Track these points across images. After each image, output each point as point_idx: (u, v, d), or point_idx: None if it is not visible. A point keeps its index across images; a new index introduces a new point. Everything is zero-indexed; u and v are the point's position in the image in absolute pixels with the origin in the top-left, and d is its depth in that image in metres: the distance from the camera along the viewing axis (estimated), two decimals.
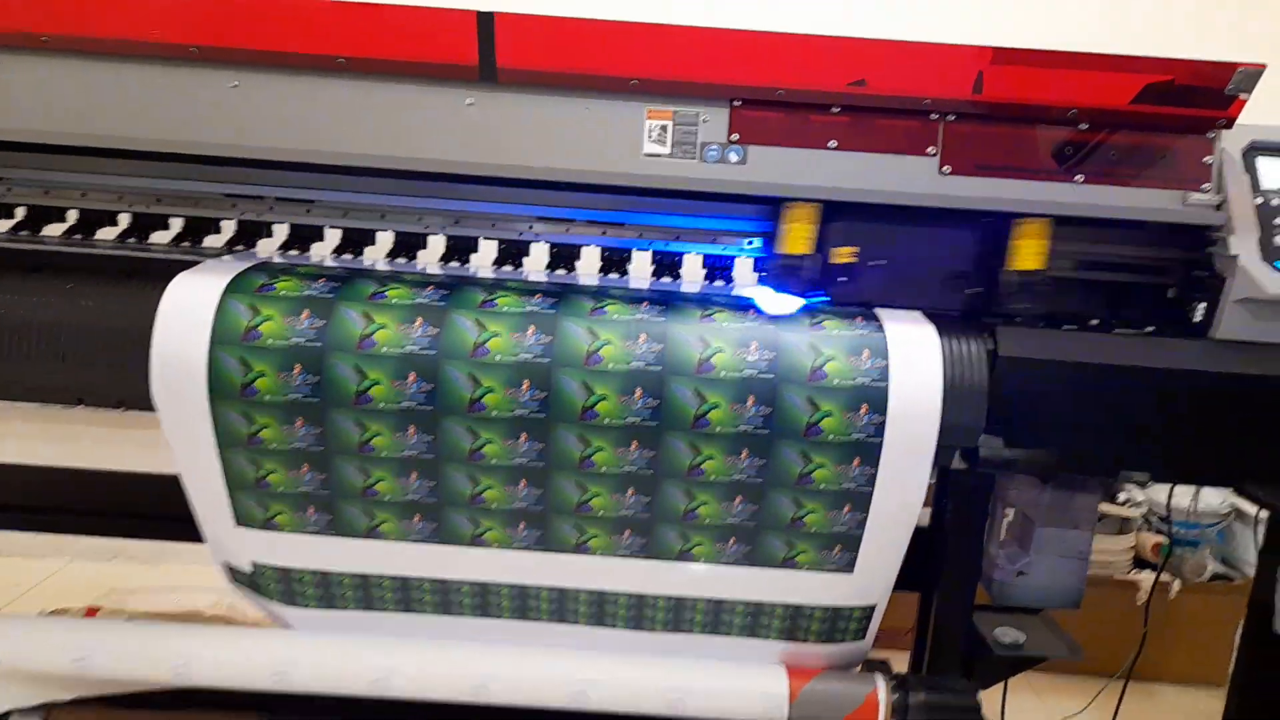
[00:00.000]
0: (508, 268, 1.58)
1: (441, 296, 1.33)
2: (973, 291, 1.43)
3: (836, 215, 1.41)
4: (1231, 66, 1.27)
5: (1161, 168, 1.35)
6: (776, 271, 1.42)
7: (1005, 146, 1.36)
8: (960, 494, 1.61)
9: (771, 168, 1.38)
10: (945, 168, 1.37)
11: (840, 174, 1.38)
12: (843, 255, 1.41)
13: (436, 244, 1.59)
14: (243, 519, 1.39)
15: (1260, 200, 1.33)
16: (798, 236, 1.40)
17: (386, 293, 1.32)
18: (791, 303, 1.40)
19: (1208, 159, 1.35)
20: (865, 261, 1.41)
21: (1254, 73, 1.27)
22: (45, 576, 3.23)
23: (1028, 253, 1.38)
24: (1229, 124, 1.28)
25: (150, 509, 1.81)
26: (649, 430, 1.30)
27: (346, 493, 1.36)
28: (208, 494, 1.37)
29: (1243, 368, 1.30)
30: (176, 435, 1.31)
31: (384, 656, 1.45)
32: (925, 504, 1.38)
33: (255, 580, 1.48)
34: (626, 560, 1.40)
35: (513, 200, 1.52)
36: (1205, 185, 1.35)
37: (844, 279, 1.42)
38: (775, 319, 1.34)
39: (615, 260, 1.58)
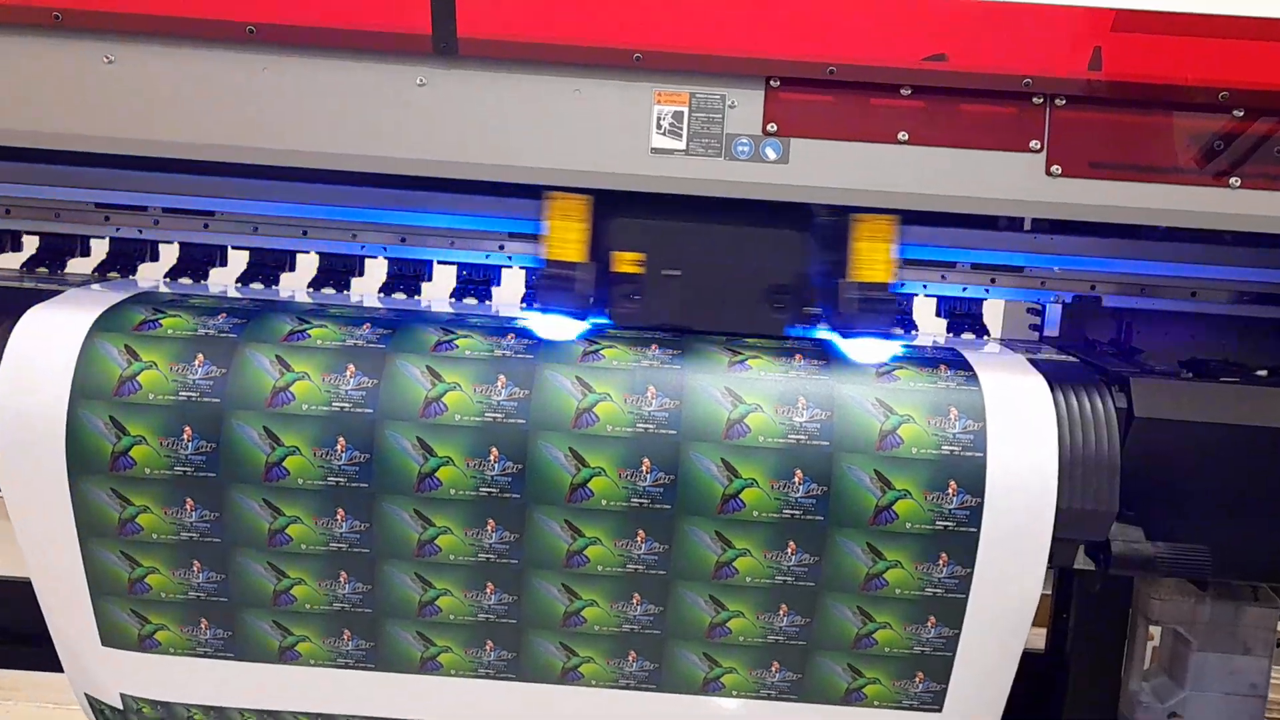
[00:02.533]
0: (470, 301, 1.58)
1: (381, 337, 1.33)
2: (811, 311, 1.44)
3: (617, 209, 1.41)
4: None
5: None
6: (539, 284, 1.43)
7: (1133, 140, 1.37)
8: (1087, 606, 1.60)
9: (822, 168, 1.38)
10: (1054, 167, 1.38)
11: (914, 176, 1.38)
12: (626, 263, 1.41)
13: (376, 269, 1.60)
14: (111, 637, 1.38)
15: None
16: (565, 238, 1.40)
17: (308, 332, 1.33)
18: (870, 346, 1.40)
19: None
20: (657, 271, 1.42)
21: None
22: None
23: (871, 258, 1.39)
24: None
25: None
26: (660, 516, 1.30)
27: (252, 599, 1.35)
28: (65, 602, 1.36)
29: None
30: (23, 521, 1.31)
31: None
32: (1038, 622, 1.36)
33: (126, 719, 1.46)
34: (631, 693, 1.39)
35: (478, 211, 1.52)
36: None
37: (629, 294, 1.43)
38: (830, 365, 1.35)
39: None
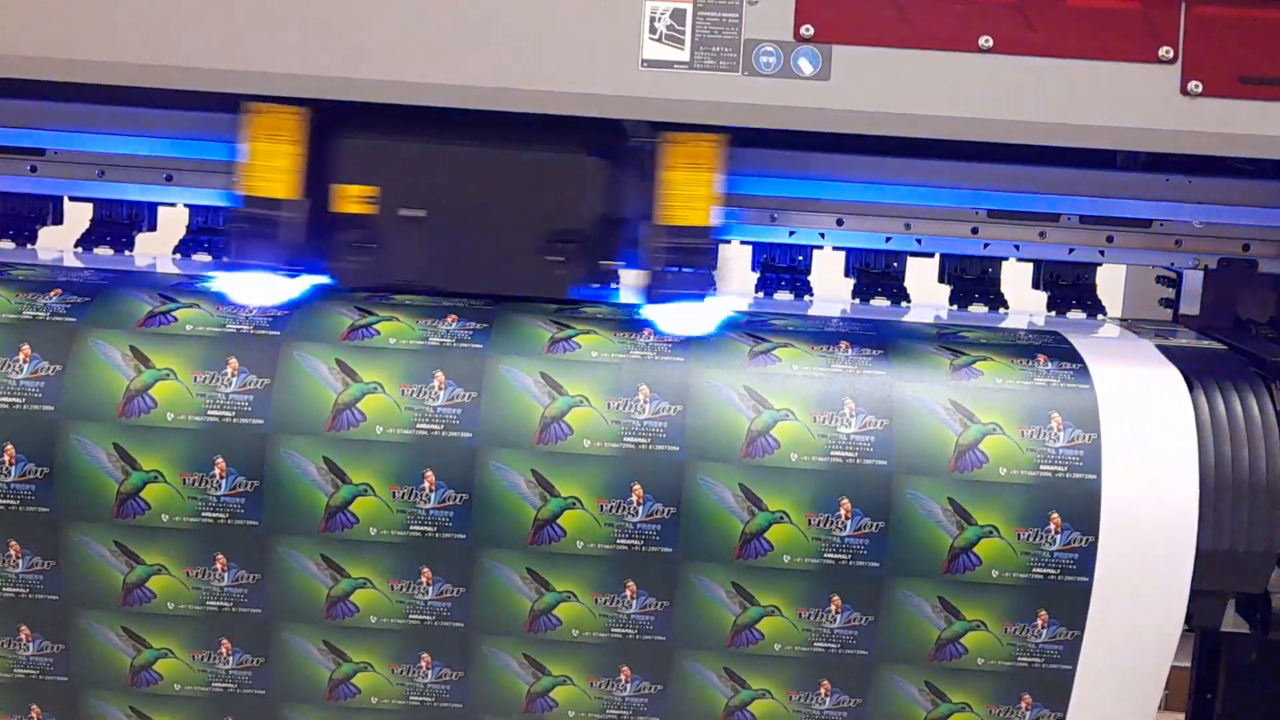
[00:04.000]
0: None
1: (275, 320, 1.32)
2: (609, 266, 1.43)
3: (340, 126, 1.38)
4: None
5: None
6: (232, 229, 1.42)
7: None
8: (1239, 681, 1.58)
9: (874, 85, 1.36)
10: (1192, 83, 1.36)
11: (1000, 96, 1.36)
12: (351, 200, 1.37)
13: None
14: None
15: None
16: (269, 165, 1.37)
17: (174, 314, 1.32)
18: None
19: None
20: (393, 211, 1.38)
21: None
22: None
23: (686, 195, 1.39)
24: None
25: None
26: (657, 562, 1.28)
27: (100, 679, 1.33)
28: None
29: None
30: None
31: None
32: (1174, 704, 1.38)
33: None
34: None
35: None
36: None
37: (355, 243, 1.39)
38: (888, 354, 1.33)
39: None
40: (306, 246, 1.38)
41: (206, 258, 1.60)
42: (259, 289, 1.35)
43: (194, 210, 1.63)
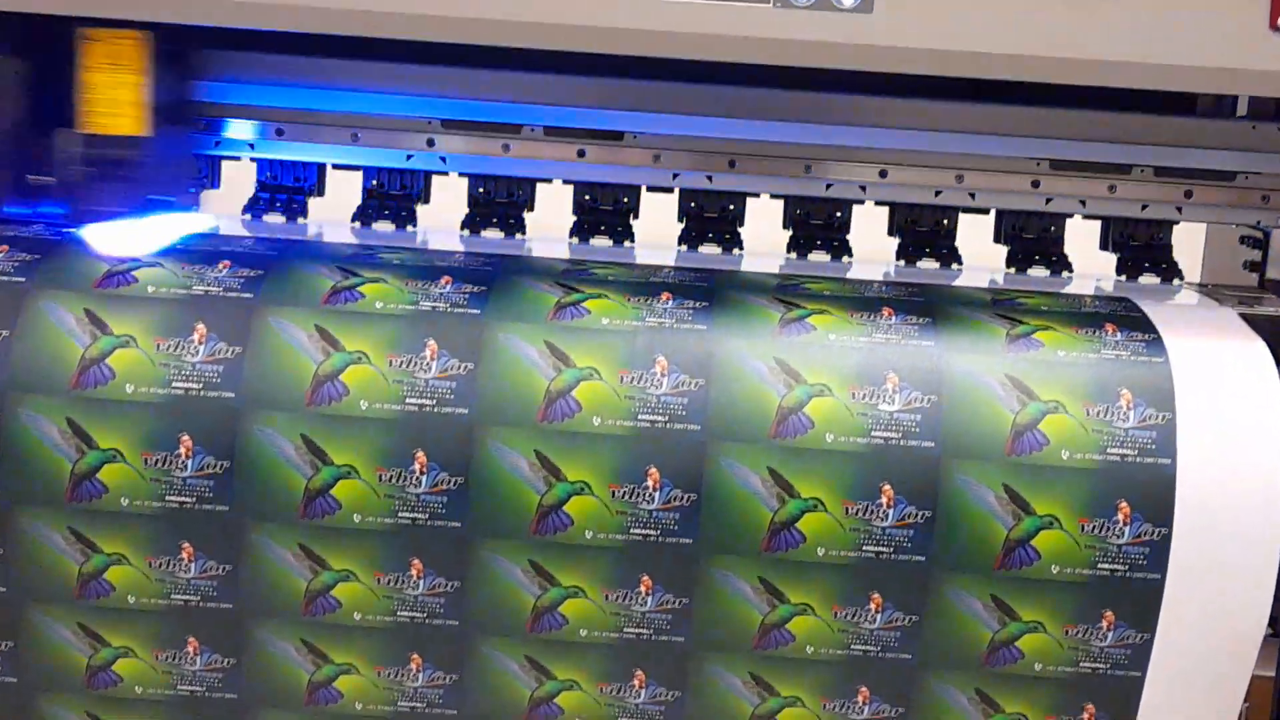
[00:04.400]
0: (385, 227, 1.60)
1: (247, 281, 1.30)
2: (39, 181, 1.39)
3: None
4: None
5: None
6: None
7: None
8: None
9: (922, 17, 1.33)
10: None
11: (1067, 32, 1.32)
12: None
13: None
14: None
15: None
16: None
17: (133, 273, 1.30)
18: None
19: None
20: None
21: None
22: None
23: (110, 98, 1.35)
24: None
25: None
26: (675, 554, 1.26)
27: (54, 681, 1.32)
28: None
29: None
30: None
31: None
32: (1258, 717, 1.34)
33: None
34: None
35: (395, 83, 1.56)
36: None
37: None
38: (937, 322, 1.31)
39: (605, 209, 1.61)
40: None
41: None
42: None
43: None
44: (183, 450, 1.25)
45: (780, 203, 1.70)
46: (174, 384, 1.26)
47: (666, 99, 1.61)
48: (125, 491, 1.26)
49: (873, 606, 1.27)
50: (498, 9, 1.35)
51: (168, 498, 1.26)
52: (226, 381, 1.26)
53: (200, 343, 1.27)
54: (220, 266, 1.33)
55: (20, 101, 1.36)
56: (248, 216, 1.70)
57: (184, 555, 1.28)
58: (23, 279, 1.29)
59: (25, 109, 1.37)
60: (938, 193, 1.60)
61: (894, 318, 1.31)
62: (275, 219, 1.70)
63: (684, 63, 1.40)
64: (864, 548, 1.25)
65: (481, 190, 1.74)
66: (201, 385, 1.26)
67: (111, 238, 1.35)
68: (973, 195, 1.58)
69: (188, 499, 1.26)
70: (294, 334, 1.28)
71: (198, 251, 1.38)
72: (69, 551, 1.27)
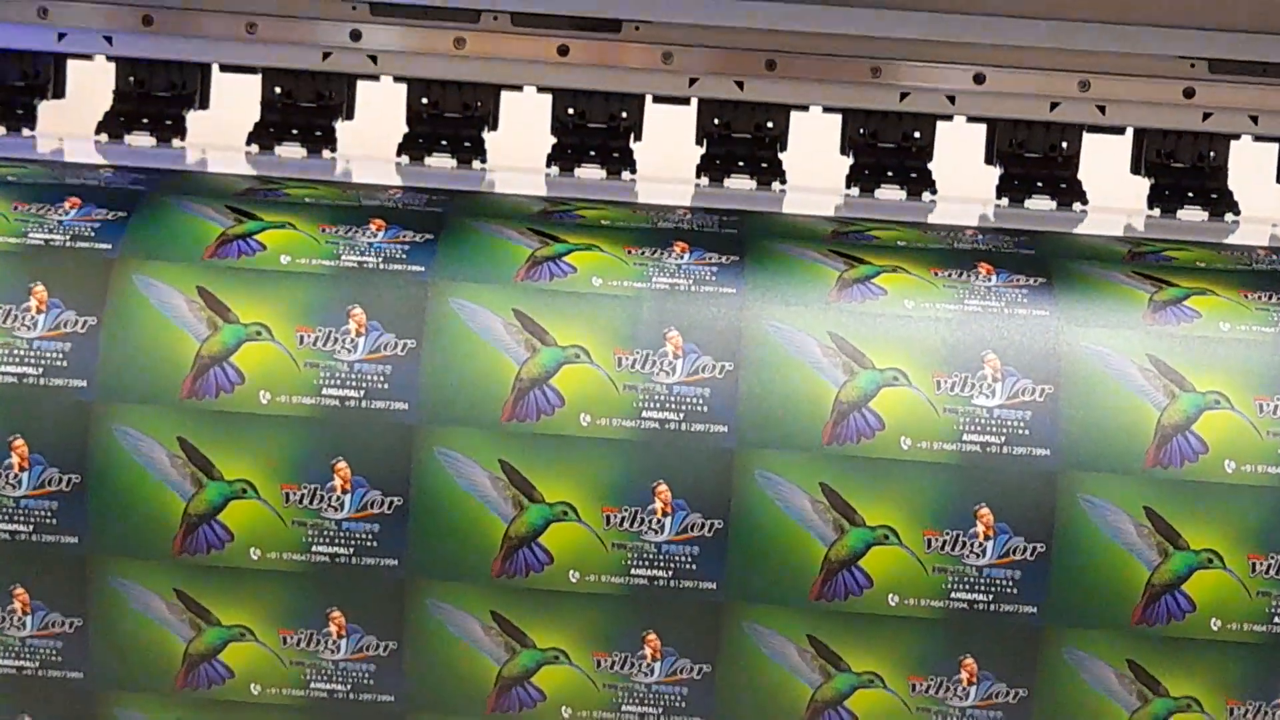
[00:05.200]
0: (293, 151, 1.53)
1: (105, 229, 1.21)
2: None
3: None
4: None
5: None
6: None
7: None
8: None
9: None
10: None
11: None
12: None
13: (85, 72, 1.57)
14: None
15: None
16: None
17: None
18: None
19: None
20: None
21: None
22: None
23: None
24: None
25: None
26: (694, 603, 1.15)
27: None
28: None
29: None
30: None
31: None
32: None
33: None
34: None
35: None
36: None
37: None
38: (1051, 286, 1.19)
39: (598, 129, 1.55)
40: None
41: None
42: None
43: None
44: (15, 459, 1.15)
45: (837, 119, 1.61)
46: (4, 368, 1.16)
47: None
48: None
49: (965, 676, 1.21)
50: None
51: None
52: (75, 367, 1.15)
53: (39, 312, 1.17)
54: (66, 206, 1.22)
55: None
56: (103, 138, 1.59)
57: (17, 604, 1.20)
58: None
59: None
60: (1054, 105, 1.51)
61: (994, 278, 1.23)
62: (142, 140, 1.61)
63: None
64: (953, 595, 1.20)
65: (425, 102, 1.66)
66: (41, 371, 1.15)
67: None
68: (1102, 109, 1.50)
69: (23, 527, 1.17)
70: (168, 299, 1.17)
71: (33, 186, 1.28)
72: None
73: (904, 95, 1.56)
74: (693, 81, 1.60)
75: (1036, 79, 1.54)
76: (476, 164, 1.63)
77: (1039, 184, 1.57)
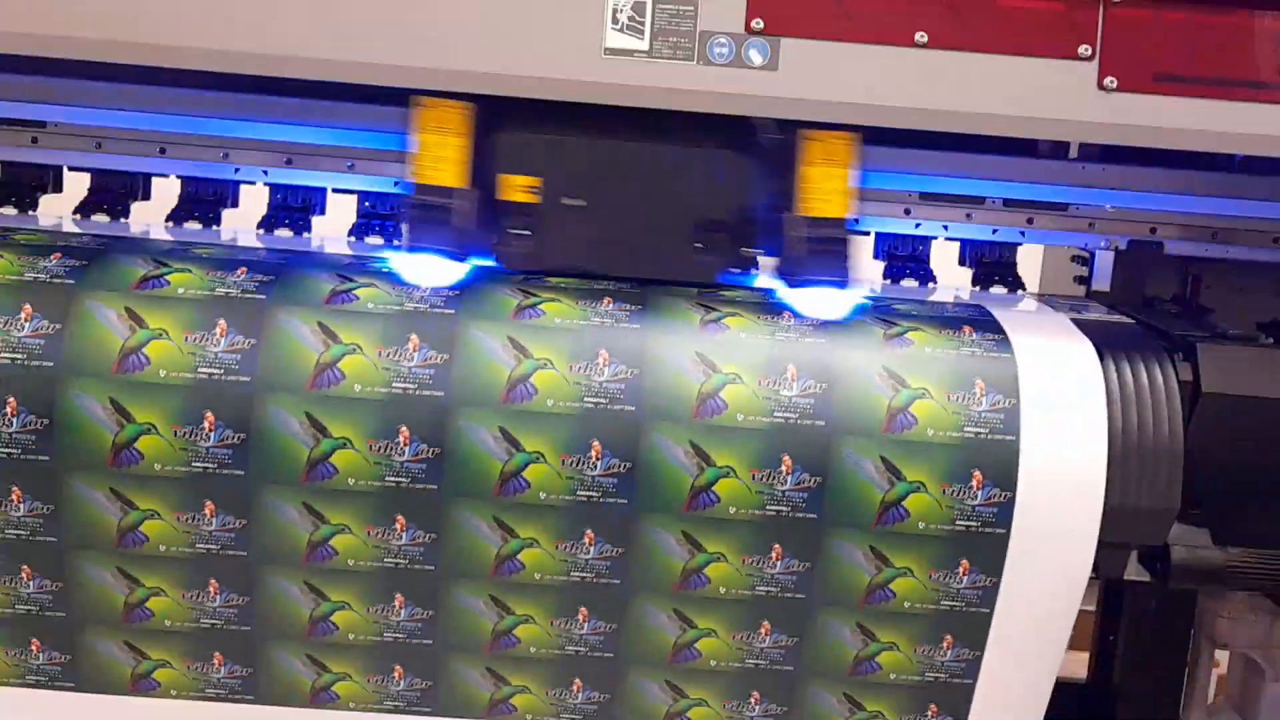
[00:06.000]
0: (375, 240, 1.56)
1: (261, 285, 1.31)
2: (750, 253, 1.44)
3: (507, 120, 1.39)
4: None
5: None
6: (405, 215, 1.42)
7: (1207, 46, 1.37)
8: (1139, 626, 1.61)
9: (817, 75, 1.36)
10: (1108, 79, 1.37)
11: (934, 86, 1.37)
12: (516, 189, 1.40)
13: (255, 198, 1.58)
14: None
15: None
16: (439, 156, 1.39)
17: (166, 278, 1.30)
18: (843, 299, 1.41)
19: None
20: (555, 200, 1.40)
21: None
22: None
23: (824, 187, 1.40)
24: None
25: None
26: (614, 513, 1.28)
27: (96, 615, 1.33)
28: None
29: None
30: None
31: None
32: (1079, 645, 1.40)
33: None
34: None
35: (387, 125, 1.51)
36: None
37: (520, 229, 1.41)
38: (828, 325, 1.34)
39: None
40: (474, 232, 1.40)
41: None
42: (429, 272, 1.36)
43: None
44: (206, 424, 1.26)
45: None
46: (200, 369, 1.26)
47: None
48: (158, 458, 1.26)
49: (774, 555, 1.31)
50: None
51: (194, 463, 1.26)
52: (244, 368, 1.27)
53: (222, 334, 1.28)
54: (239, 272, 1.32)
55: (741, 190, 1.40)
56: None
57: (207, 510, 1.28)
58: (72, 281, 1.29)
59: (743, 196, 1.40)
60: None
61: (793, 321, 1.35)
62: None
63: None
64: (768, 508, 1.29)
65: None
66: (222, 371, 1.27)
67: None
68: (856, 220, 1.54)
69: (210, 464, 1.27)
70: (299, 329, 1.28)
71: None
72: (111, 508, 1.28)
73: None
74: None
75: None
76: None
77: None
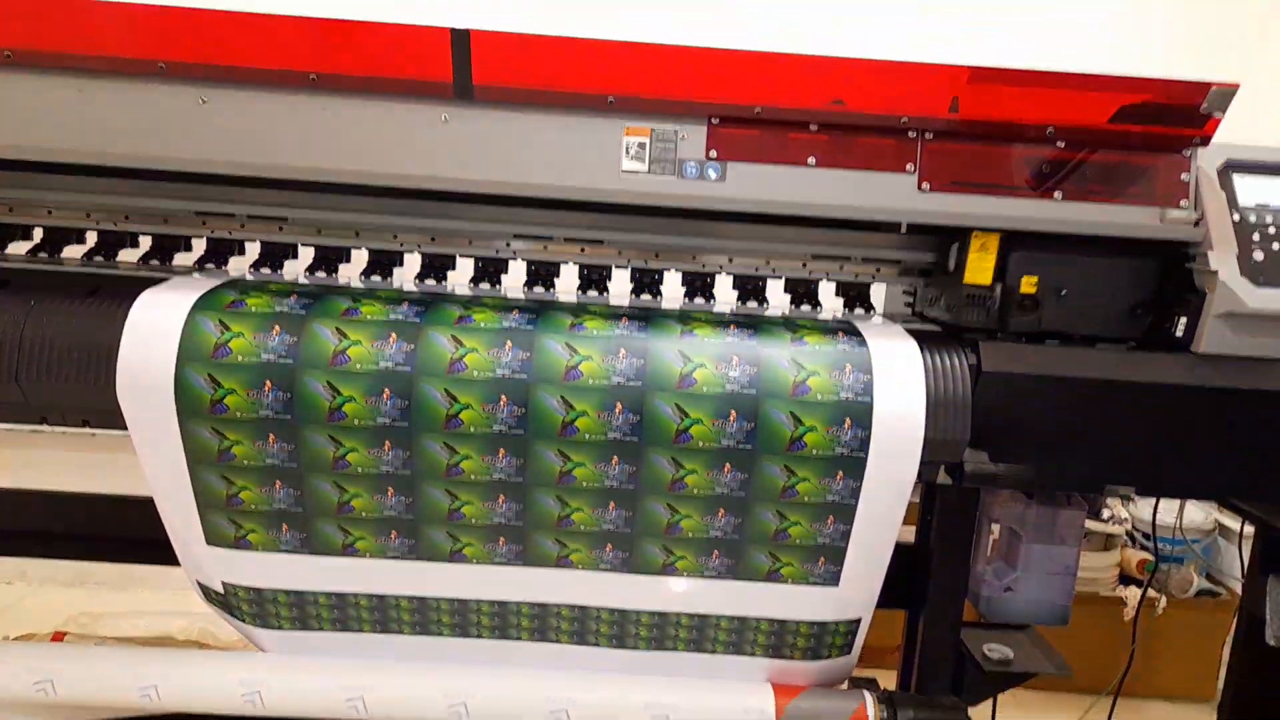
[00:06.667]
0: (485, 286, 1.56)
1: (417, 313, 1.29)
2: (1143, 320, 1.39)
3: (1019, 245, 1.36)
4: (1206, 86, 1.24)
5: (1140, 185, 1.32)
6: (958, 302, 1.41)
7: (983, 163, 1.37)
8: (945, 510, 1.60)
9: (751, 184, 1.36)
10: (924, 184, 1.37)
11: (820, 190, 1.37)
12: (1028, 285, 1.39)
13: (412, 261, 1.58)
14: (213, 538, 1.36)
15: (1237, 217, 1.29)
16: (981, 266, 1.39)
17: (360, 309, 1.30)
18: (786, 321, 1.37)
19: (1185, 176, 1.31)
20: (1048, 290, 1.36)
21: (1228, 91, 1.27)
22: (8, 604, 3.17)
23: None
24: (1204, 142, 1.30)
25: (120, 532, 1.71)
26: (630, 446, 1.25)
27: (321, 510, 1.34)
28: (179, 512, 1.34)
29: (1225, 381, 1.27)
30: (147, 453, 1.29)
31: (358, 677, 1.42)
32: (909, 521, 1.35)
33: (227, 601, 1.45)
34: (609, 575, 1.38)
35: (490, 219, 1.51)
36: (1183, 202, 1.31)
37: (1027, 309, 1.40)
38: (756, 333, 1.33)
39: (594, 278, 1.52)
40: (998, 314, 1.40)
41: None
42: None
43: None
44: (384, 396, 1.25)
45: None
46: (380, 363, 1.25)
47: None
48: (356, 416, 1.25)
49: (725, 470, 1.28)
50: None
51: (378, 419, 1.25)
52: (407, 362, 1.26)
53: (393, 342, 1.26)
54: (403, 305, 1.30)
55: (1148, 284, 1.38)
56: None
57: (386, 448, 1.26)
58: (304, 312, 1.27)
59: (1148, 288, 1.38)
60: (757, 269, 1.53)
61: (735, 330, 1.33)
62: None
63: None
64: (722, 442, 1.26)
65: None
66: (394, 364, 1.25)
67: None
68: (774, 271, 1.53)
69: (388, 420, 1.25)
70: (440, 339, 1.26)
71: (391, 294, 1.34)
72: (329, 446, 1.27)
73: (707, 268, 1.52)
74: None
75: (752, 261, 1.50)
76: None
77: (752, 297, 1.53)
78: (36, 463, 3.07)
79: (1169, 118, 1.32)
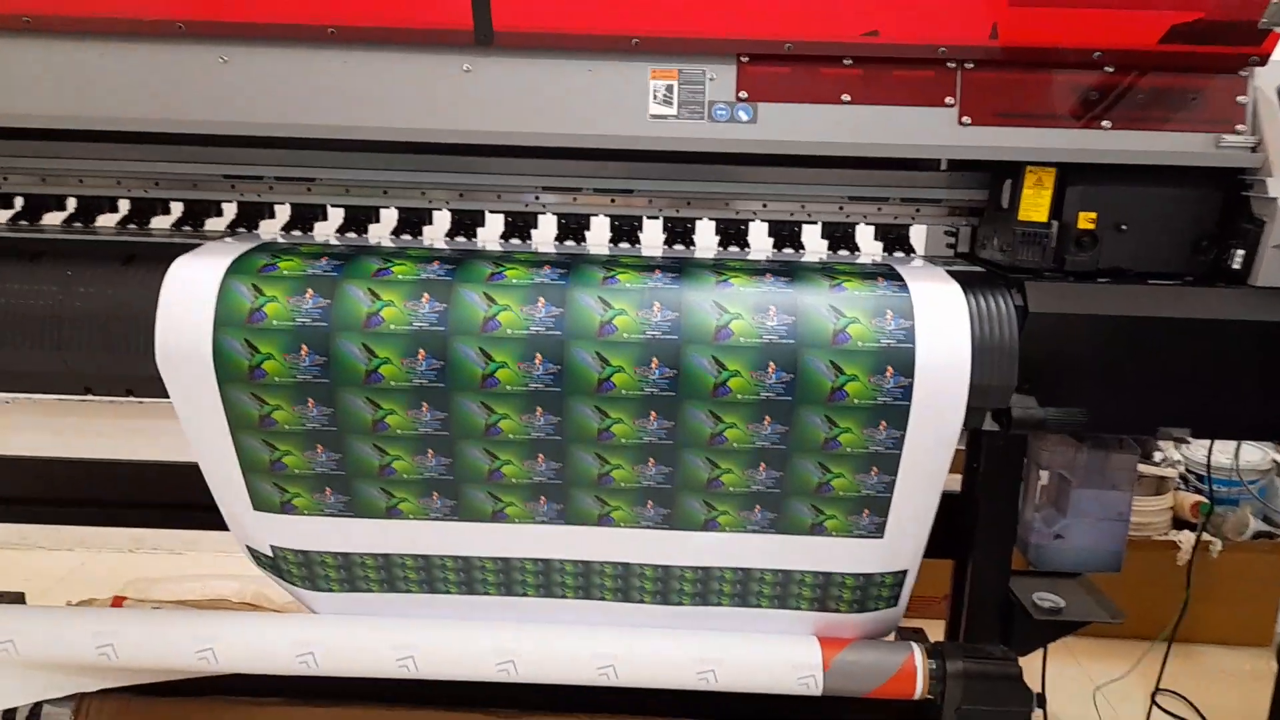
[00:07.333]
0: (515, 241, 1.55)
1: (448, 271, 1.27)
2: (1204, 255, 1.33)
3: (1077, 179, 1.31)
4: None
5: (1193, 110, 1.30)
6: (1013, 241, 1.37)
7: (1026, 94, 1.33)
8: (992, 457, 1.58)
9: (784, 125, 1.34)
10: (964, 118, 1.33)
11: (856, 129, 1.34)
12: (1086, 220, 1.34)
13: (441, 219, 1.57)
14: (260, 503, 1.38)
15: None
16: (1036, 203, 1.35)
17: (392, 269, 1.29)
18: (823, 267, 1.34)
19: (1241, 99, 1.30)
20: (1107, 224, 1.31)
21: None
22: (69, 570, 3.28)
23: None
24: (1263, 61, 1.25)
25: (173, 498, 1.75)
26: (667, 400, 1.24)
27: (363, 472, 1.34)
28: (224, 478, 1.36)
29: None
30: (189, 420, 1.30)
31: (408, 636, 1.45)
32: (955, 469, 1.34)
33: (277, 564, 1.48)
34: (649, 532, 1.38)
35: (517, 171, 1.50)
36: (1240, 126, 1.27)
37: (1085, 246, 1.35)
38: (794, 281, 1.31)
39: (626, 229, 1.50)
40: (1053, 250, 1.36)
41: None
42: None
43: None
44: (419, 356, 1.25)
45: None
46: (414, 323, 1.24)
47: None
48: (392, 378, 1.25)
49: (766, 423, 1.26)
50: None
51: (414, 380, 1.24)
52: (441, 321, 1.25)
53: (426, 302, 1.25)
54: (434, 263, 1.29)
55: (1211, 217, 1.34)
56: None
57: (424, 409, 1.25)
58: (336, 274, 1.27)
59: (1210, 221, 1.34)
60: (792, 213, 1.51)
61: (772, 279, 1.30)
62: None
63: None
64: (760, 394, 1.25)
65: None
66: (427, 324, 1.24)
67: None
68: (810, 215, 1.51)
69: (424, 381, 1.25)
70: (472, 296, 1.25)
71: (422, 253, 1.33)
72: (367, 409, 1.27)
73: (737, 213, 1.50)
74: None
75: (787, 204, 1.49)
76: None
77: (789, 244, 1.52)
78: (79, 429, 3.15)
79: (1223, 36, 1.26)
